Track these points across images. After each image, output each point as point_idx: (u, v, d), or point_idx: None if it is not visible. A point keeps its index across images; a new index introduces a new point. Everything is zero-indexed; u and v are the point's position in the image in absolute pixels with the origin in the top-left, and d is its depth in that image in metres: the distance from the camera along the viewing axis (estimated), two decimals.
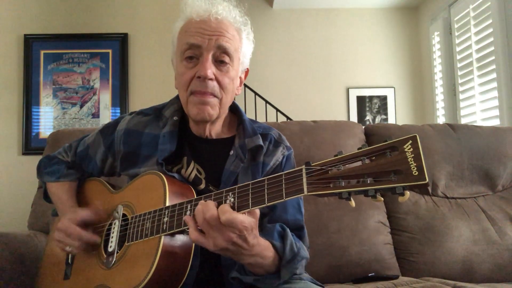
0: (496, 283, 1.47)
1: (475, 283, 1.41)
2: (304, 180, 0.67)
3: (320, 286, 0.94)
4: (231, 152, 1.00)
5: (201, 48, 0.93)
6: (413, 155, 0.58)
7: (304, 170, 0.68)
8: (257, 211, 0.76)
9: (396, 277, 1.42)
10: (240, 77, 1.03)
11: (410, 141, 0.59)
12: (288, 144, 1.08)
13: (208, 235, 0.74)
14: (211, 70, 0.92)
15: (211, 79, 0.93)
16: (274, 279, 0.85)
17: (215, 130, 1.04)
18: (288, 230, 0.92)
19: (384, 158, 0.60)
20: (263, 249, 0.82)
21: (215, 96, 0.95)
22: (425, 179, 0.56)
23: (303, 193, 0.67)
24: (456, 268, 1.52)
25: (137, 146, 1.04)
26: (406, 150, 0.58)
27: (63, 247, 1.00)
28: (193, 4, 0.97)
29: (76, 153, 1.14)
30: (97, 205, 1.08)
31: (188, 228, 0.82)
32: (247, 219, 0.73)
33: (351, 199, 0.63)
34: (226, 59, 0.95)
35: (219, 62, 0.95)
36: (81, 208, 1.05)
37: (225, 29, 0.95)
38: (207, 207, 0.74)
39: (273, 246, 0.86)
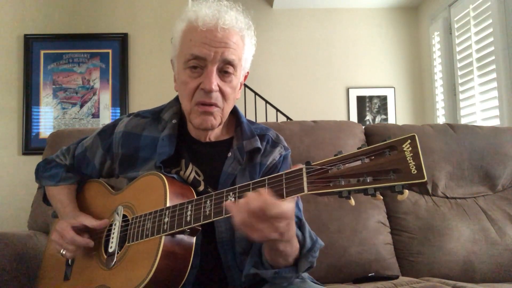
0: (496, 283, 1.47)
1: (475, 283, 1.41)
2: (305, 179, 0.67)
3: (320, 286, 0.94)
4: (229, 154, 1.00)
5: (206, 61, 0.92)
6: (411, 154, 0.58)
7: (304, 170, 0.68)
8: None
9: (396, 277, 1.42)
10: (240, 82, 1.03)
11: (409, 140, 0.59)
12: (286, 144, 1.08)
13: (254, 227, 0.71)
14: (215, 83, 0.92)
15: (215, 91, 0.93)
16: (292, 272, 0.84)
17: (215, 134, 1.04)
18: (304, 220, 0.90)
19: (383, 157, 0.60)
20: (293, 235, 0.80)
21: (218, 106, 0.95)
22: (424, 178, 0.56)
23: (304, 192, 0.67)
24: (456, 268, 1.52)
25: (135, 149, 1.04)
26: (405, 149, 0.59)
27: (59, 250, 1.01)
28: (199, 10, 0.94)
29: (74, 156, 1.14)
30: (97, 206, 1.08)
31: (188, 229, 0.83)
32: (291, 205, 0.70)
33: (351, 197, 0.63)
34: (230, 69, 0.94)
35: (223, 73, 0.94)
36: (82, 213, 1.05)
37: (230, 39, 0.93)
38: (251, 198, 0.70)
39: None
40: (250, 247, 0.97)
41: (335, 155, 0.65)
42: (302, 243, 0.84)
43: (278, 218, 0.70)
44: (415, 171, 0.57)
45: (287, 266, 0.83)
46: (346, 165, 0.64)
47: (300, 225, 0.89)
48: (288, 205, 0.70)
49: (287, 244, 0.79)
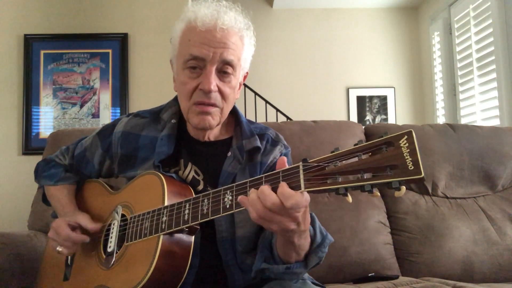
0: (496, 283, 1.47)
1: (475, 283, 1.41)
2: (301, 176, 0.67)
3: (320, 286, 0.94)
4: (229, 154, 1.00)
5: (204, 61, 0.91)
6: (408, 150, 0.58)
7: (301, 167, 0.68)
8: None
9: (396, 277, 1.42)
10: (240, 82, 1.03)
11: (406, 136, 0.59)
12: (285, 143, 1.09)
13: (272, 220, 0.70)
14: (214, 83, 0.92)
15: (214, 91, 0.93)
16: (302, 267, 0.83)
17: (214, 134, 1.04)
18: (314, 214, 0.89)
19: (380, 154, 0.60)
20: (308, 225, 0.79)
21: (216, 106, 0.95)
22: (421, 173, 0.56)
23: (301, 189, 0.67)
24: (456, 268, 1.52)
25: (134, 149, 1.04)
26: (401, 145, 0.59)
27: (55, 247, 1.01)
28: (198, 11, 0.93)
29: (73, 156, 1.14)
30: (96, 206, 1.08)
31: (187, 228, 0.82)
32: (306, 195, 0.70)
33: (348, 194, 0.63)
34: (229, 70, 0.94)
35: (222, 73, 0.94)
36: (81, 213, 1.05)
37: (229, 39, 0.92)
38: (264, 195, 0.69)
39: None
40: (251, 246, 0.97)
41: (332, 152, 0.65)
42: (312, 238, 0.83)
43: (295, 209, 0.69)
44: (412, 167, 0.56)
45: (298, 261, 0.83)
46: (343, 161, 0.64)
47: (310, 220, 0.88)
48: (300, 195, 0.68)
49: (302, 236, 0.78)
